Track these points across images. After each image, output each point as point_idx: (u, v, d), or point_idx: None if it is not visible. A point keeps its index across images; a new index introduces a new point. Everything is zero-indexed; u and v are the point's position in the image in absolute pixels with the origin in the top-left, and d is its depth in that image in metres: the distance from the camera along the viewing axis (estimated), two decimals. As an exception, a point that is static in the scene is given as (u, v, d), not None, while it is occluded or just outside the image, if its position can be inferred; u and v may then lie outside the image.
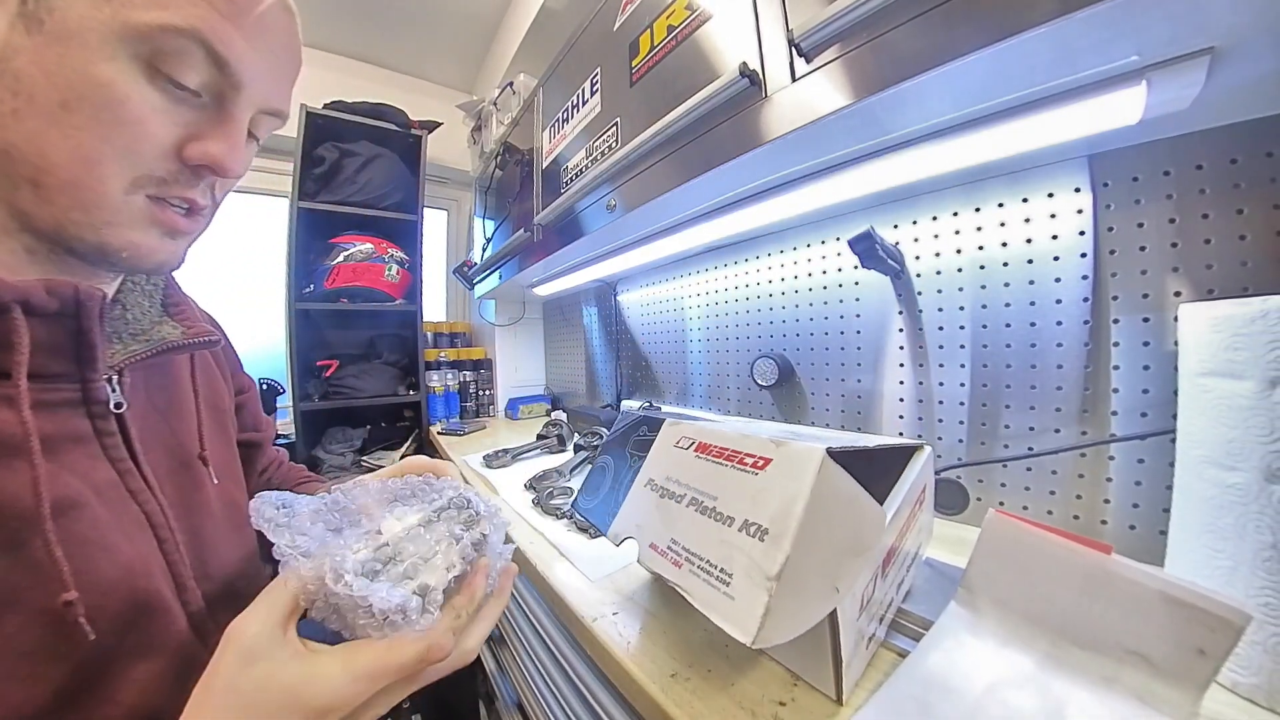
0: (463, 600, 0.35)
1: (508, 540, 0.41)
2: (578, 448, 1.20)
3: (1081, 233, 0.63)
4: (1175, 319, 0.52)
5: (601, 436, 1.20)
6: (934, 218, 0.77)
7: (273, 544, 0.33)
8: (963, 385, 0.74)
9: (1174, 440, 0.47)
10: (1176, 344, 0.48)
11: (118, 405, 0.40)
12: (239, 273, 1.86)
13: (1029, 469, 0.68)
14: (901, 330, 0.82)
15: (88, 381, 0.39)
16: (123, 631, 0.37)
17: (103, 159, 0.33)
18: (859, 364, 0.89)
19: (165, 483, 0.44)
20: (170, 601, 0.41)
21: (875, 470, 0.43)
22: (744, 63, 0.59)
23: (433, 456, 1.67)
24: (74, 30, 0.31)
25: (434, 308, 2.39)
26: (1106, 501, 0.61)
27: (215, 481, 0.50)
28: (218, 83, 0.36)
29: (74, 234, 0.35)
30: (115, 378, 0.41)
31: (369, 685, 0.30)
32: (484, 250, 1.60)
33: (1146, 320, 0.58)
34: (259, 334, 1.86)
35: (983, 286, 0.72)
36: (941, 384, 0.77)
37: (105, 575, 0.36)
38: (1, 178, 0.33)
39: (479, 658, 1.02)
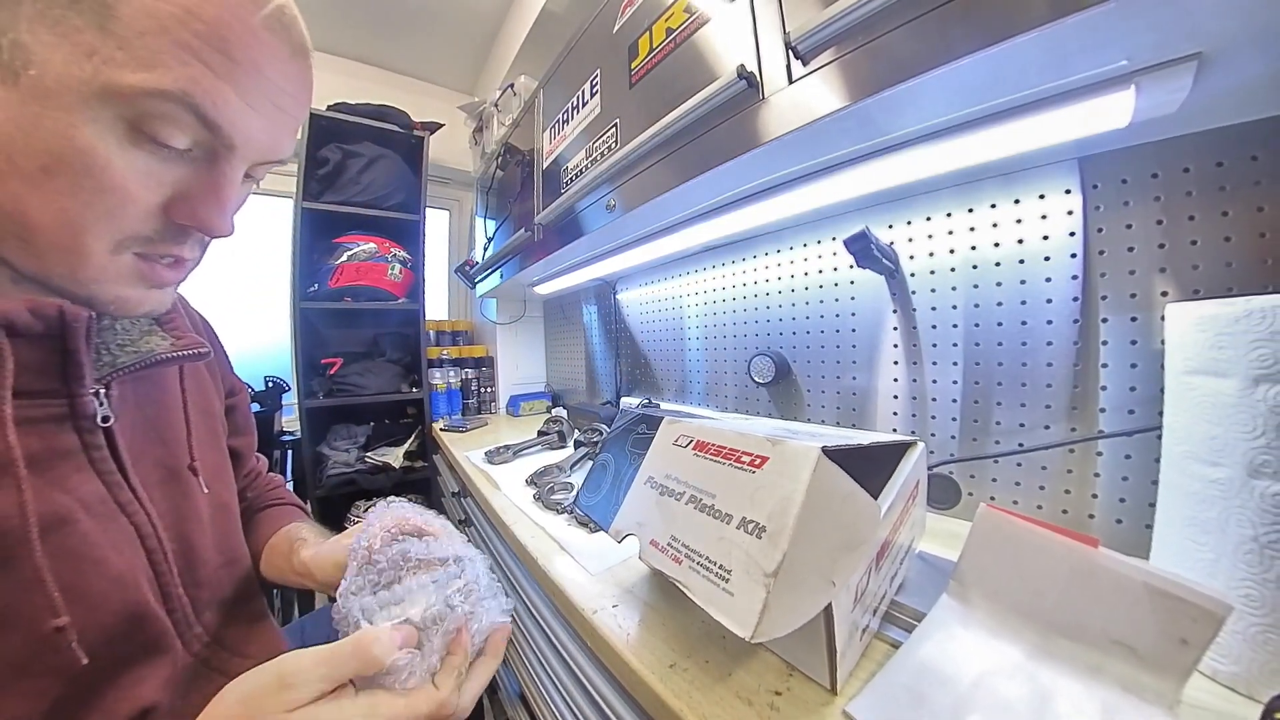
0: (458, 659, 0.36)
1: (504, 611, 0.43)
2: (578, 444, 1.21)
3: (1072, 233, 0.63)
4: (1162, 318, 0.53)
5: (601, 433, 1.21)
6: (928, 218, 0.78)
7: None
8: (955, 383, 0.75)
9: (1160, 437, 0.48)
10: (1163, 343, 0.49)
11: (105, 419, 0.40)
12: (244, 272, 1.87)
13: (1019, 464, 0.69)
14: (896, 329, 0.83)
15: (75, 396, 0.38)
16: (114, 643, 0.37)
17: (86, 224, 0.32)
18: (854, 362, 0.90)
19: (154, 493, 0.44)
20: (156, 611, 0.41)
21: (870, 466, 0.44)
22: (742, 65, 0.60)
23: (435, 452, 1.66)
24: (51, 89, 0.28)
25: (436, 306, 2.40)
26: (1094, 496, 0.62)
27: (205, 490, 0.49)
28: (209, 142, 0.34)
29: (61, 286, 0.34)
30: (103, 391, 0.40)
31: None
32: (485, 249, 1.60)
33: (1134, 319, 0.59)
34: (264, 332, 1.88)
35: (975, 286, 0.73)
36: (935, 381, 0.78)
37: (96, 589, 0.37)
38: None
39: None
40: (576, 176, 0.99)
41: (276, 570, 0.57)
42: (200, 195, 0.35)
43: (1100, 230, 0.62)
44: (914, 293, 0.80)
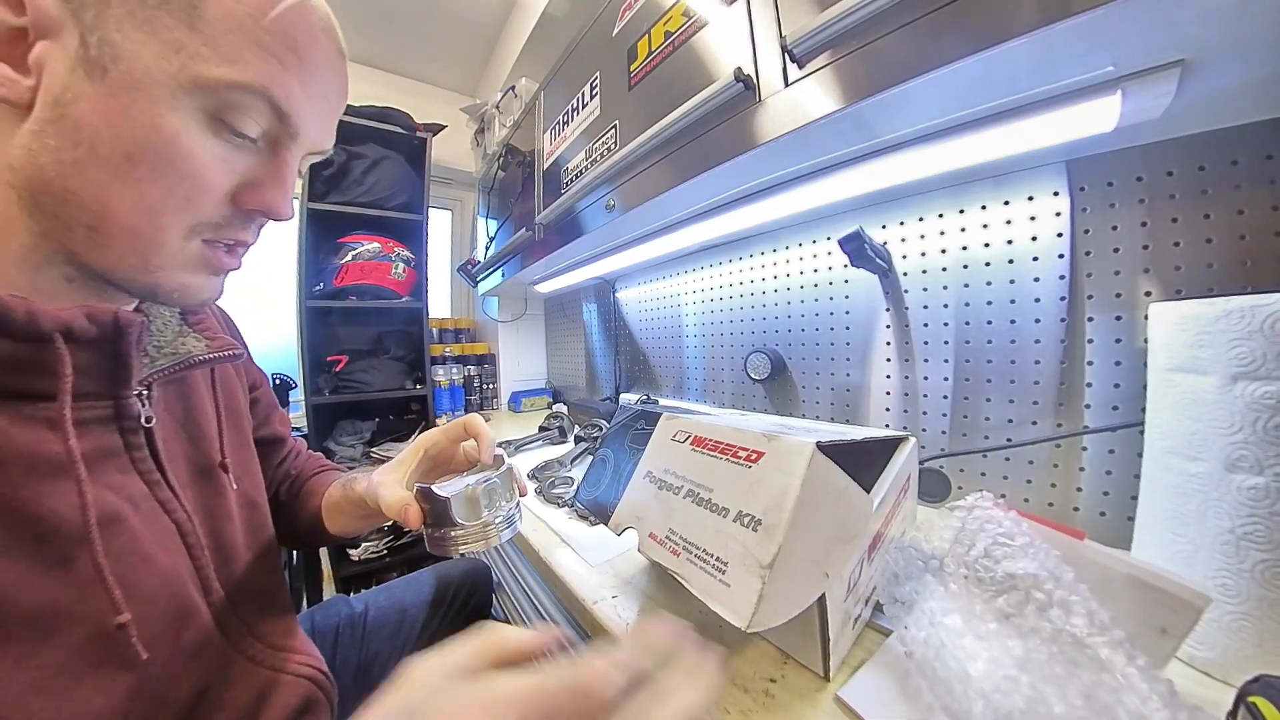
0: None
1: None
2: (578, 439, 1.22)
3: (1059, 234, 0.65)
4: (1146, 317, 0.54)
5: (601, 428, 1.22)
6: (920, 219, 0.79)
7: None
8: (946, 379, 0.76)
9: (1142, 432, 0.49)
10: (1146, 341, 0.50)
11: (147, 419, 0.41)
12: (252, 271, 1.87)
13: (1007, 459, 0.70)
14: (889, 327, 0.84)
15: (120, 398, 0.39)
16: (168, 636, 0.38)
17: (165, 210, 0.33)
18: (848, 359, 0.91)
19: (188, 491, 0.45)
20: (200, 605, 0.42)
21: (863, 460, 0.45)
22: (739, 68, 0.60)
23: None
24: (140, 81, 0.30)
25: (439, 304, 2.40)
26: (1079, 490, 0.64)
27: (235, 487, 0.50)
28: (276, 132, 0.37)
29: (127, 276, 0.35)
30: (144, 392, 0.41)
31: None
32: (487, 249, 1.61)
33: (1119, 318, 0.60)
34: (271, 330, 1.89)
35: (966, 285, 0.74)
36: (926, 378, 0.79)
37: (148, 585, 0.38)
38: (54, 219, 0.32)
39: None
40: (576, 177, 1.00)
41: (340, 518, 0.60)
42: (268, 181, 0.38)
43: (1087, 232, 0.63)
44: (906, 291, 0.82)
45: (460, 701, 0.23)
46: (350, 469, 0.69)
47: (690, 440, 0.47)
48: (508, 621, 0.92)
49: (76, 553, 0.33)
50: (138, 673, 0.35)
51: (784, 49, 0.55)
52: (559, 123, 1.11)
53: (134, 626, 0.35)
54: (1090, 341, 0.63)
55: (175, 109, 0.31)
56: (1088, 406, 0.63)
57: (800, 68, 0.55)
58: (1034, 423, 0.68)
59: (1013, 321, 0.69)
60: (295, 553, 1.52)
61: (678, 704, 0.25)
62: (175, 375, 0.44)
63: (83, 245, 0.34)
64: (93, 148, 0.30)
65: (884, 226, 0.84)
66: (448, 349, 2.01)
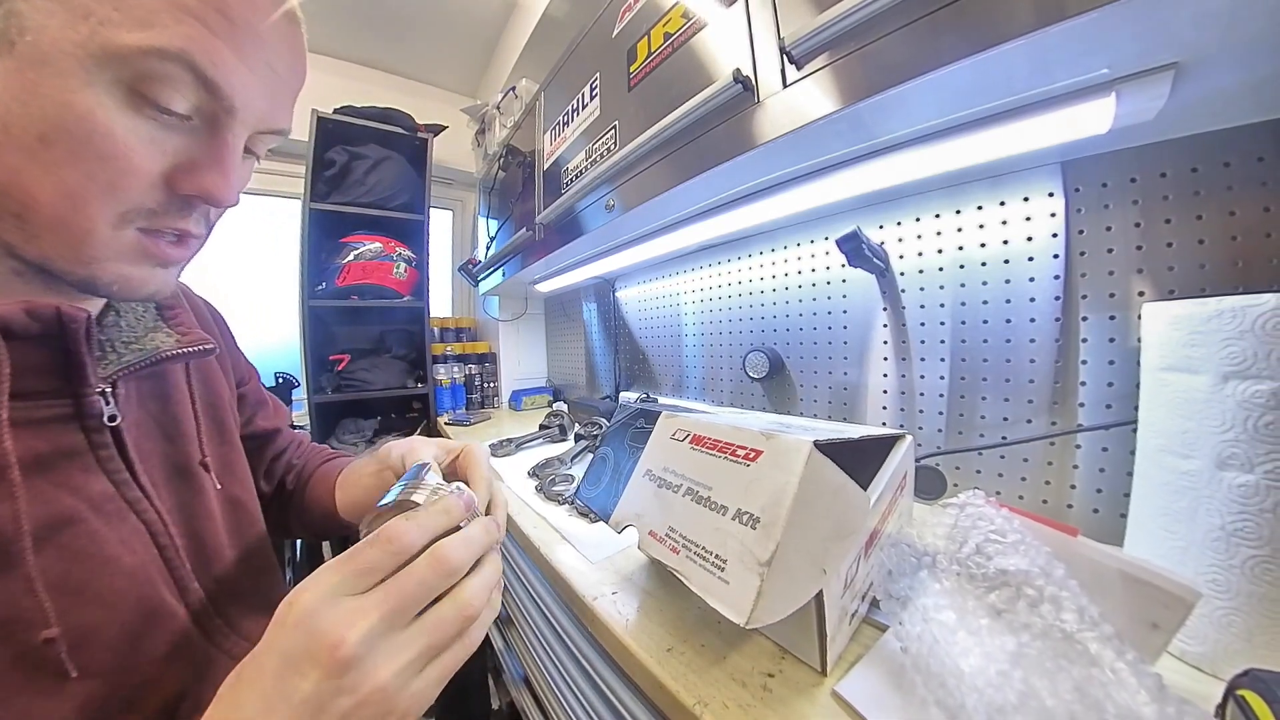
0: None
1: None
2: (578, 437, 1.22)
3: (1054, 235, 0.65)
4: (1139, 317, 0.55)
5: (601, 426, 1.22)
6: (917, 219, 0.80)
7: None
8: (942, 378, 0.77)
9: (1135, 430, 0.50)
10: (1140, 341, 0.51)
11: (111, 418, 0.39)
12: (255, 271, 1.89)
13: (1002, 456, 0.71)
14: (886, 326, 0.85)
15: (80, 396, 0.37)
16: (137, 639, 0.37)
17: (88, 196, 0.30)
18: (845, 358, 0.92)
19: (163, 491, 0.43)
20: (174, 605, 0.41)
21: (860, 458, 0.45)
22: (737, 69, 0.61)
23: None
24: (48, 53, 0.27)
25: (440, 304, 2.41)
26: (1073, 487, 0.64)
27: (219, 486, 0.48)
28: (209, 106, 0.33)
29: (61, 268, 0.33)
30: (109, 390, 0.39)
31: (344, 570, 0.29)
32: (488, 249, 1.62)
33: (1113, 318, 0.61)
34: (274, 330, 1.90)
35: (962, 285, 0.74)
36: (923, 377, 0.80)
37: (110, 587, 0.36)
38: None
39: (488, 636, 1.06)
40: (576, 177, 1.01)
41: (355, 489, 0.58)
42: (204, 163, 0.34)
43: (1081, 232, 0.63)
44: (903, 291, 0.82)
45: (314, 576, 0.29)
46: (360, 447, 0.67)
47: (689, 439, 0.47)
48: (510, 620, 0.93)
49: (13, 561, 0.32)
50: (101, 675, 0.34)
51: (782, 50, 0.55)
52: (559, 123, 1.12)
53: (63, 642, 0.32)
54: (1084, 341, 0.63)
55: (88, 83, 0.28)
56: (1081, 405, 0.64)
57: (798, 69, 0.55)
58: (1029, 421, 0.68)
59: (1008, 321, 0.70)
60: (299, 551, 1.53)
61: (473, 537, 0.33)
62: (144, 371, 0.42)
63: (14, 236, 0.31)
64: (6, 129, 0.28)
65: (881, 227, 0.84)
66: (449, 348, 2.02)
